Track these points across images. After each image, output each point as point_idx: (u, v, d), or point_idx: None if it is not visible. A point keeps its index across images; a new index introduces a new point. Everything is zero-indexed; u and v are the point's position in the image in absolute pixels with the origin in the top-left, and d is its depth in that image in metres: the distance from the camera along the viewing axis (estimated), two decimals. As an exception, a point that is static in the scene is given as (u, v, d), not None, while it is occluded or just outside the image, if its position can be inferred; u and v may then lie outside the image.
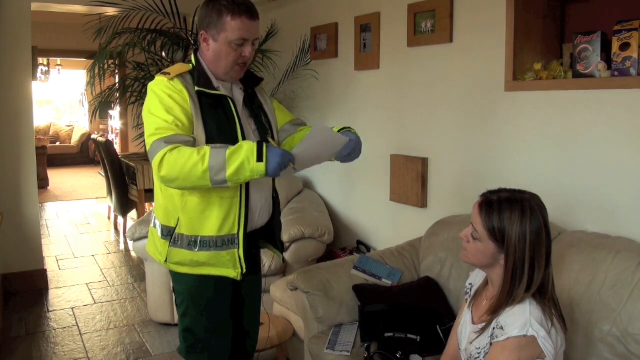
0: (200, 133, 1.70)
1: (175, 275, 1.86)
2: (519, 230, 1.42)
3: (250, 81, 1.90)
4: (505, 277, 1.45)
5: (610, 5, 2.25)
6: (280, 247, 2.00)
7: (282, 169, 1.58)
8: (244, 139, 1.72)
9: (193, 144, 1.67)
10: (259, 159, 1.55)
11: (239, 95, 1.85)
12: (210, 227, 1.74)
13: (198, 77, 1.75)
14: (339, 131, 1.80)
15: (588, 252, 1.93)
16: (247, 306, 2.01)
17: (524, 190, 1.50)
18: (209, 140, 1.69)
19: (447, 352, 1.76)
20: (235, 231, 1.76)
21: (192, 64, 1.80)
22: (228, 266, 1.78)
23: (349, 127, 1.86)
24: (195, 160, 1.56)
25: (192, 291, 1.83)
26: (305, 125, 2.05)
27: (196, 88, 1.73)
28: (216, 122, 1.72)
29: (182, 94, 1.70)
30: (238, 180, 1.59)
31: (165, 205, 1.79)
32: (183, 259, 1.78)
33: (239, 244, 1.76)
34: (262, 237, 1.98)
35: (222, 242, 1.75)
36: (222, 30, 1.71)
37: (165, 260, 1.81)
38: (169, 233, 1.78)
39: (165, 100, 1.68)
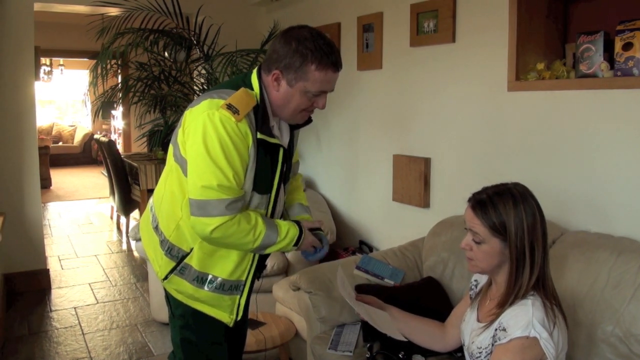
0: (249, 181, 1.60)
1: (170, 296, 1.75)
2: (516, 217, 1.45)
3: None
4: (511, 268, 1.47)
5: (613, 5, 2.25)
6: (262, 269, 1.90)
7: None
8: (278, 186, 1.69)
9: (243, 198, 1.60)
10: (296, 244, 1.67)
11: (285, 134, 1.74)
12: (223, 268, 1.66)
13: (262, 117, 1.59)
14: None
15: (590, 252, 1.93)
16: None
17: (504, 182, 1.53)
18: (254, 186, 1.62)
19: (445, 322, 1.84)
20: (244, 277, 1.69)
21: (257, 97, 1.60)
22: (225, 310, 1.70)
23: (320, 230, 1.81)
24: (249, 239, 1.57)
25: (190, 316, 1.73)
26: (296, 174, 1.95)
27: (258, 135, 1.57)
28: (264, 169, 1.63)
29: (246, 140, 1.55)
30: None
31: (182, 227, 1.64)
32: (184, 289, 1.68)
33: (243, 291, 1.70)
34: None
35: (229, 287, 1.67)
36: (302, 78, 1.56)
37: (164, 279, 1.70)
38: (177, 255, 1.66)
39: (227, 146, 1.51)
